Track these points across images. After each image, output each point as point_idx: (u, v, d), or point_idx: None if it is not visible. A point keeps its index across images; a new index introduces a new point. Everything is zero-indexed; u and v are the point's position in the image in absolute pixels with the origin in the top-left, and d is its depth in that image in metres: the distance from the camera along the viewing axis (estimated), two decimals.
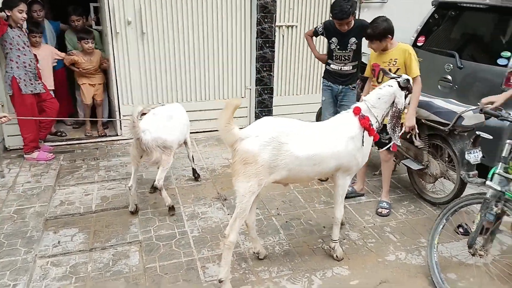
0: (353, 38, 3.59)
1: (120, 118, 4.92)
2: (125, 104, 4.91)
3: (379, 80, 3.31)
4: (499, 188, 2.38)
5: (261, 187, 2.43)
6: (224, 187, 3.81)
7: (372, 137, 2.69)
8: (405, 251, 3.00)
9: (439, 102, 3.44)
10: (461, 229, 3.16)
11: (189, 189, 3.81)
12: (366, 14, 5.38)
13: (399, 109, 2.72)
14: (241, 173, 2.37)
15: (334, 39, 3.68)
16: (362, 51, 3.76)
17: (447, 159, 3.48)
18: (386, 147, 3.21)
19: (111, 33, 4.60)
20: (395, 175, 4.07)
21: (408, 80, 2.76)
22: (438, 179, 3.54)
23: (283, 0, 5.11)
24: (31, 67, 4.12)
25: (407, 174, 3.89)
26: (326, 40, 3.82)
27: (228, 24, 5.04)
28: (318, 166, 2.52)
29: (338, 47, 3.66)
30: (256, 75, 5.24)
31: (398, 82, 2.72)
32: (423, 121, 3.44)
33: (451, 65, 4.27)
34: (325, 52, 4.13)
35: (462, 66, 4.16)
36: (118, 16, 4.56)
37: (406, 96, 2.75)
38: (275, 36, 5.16)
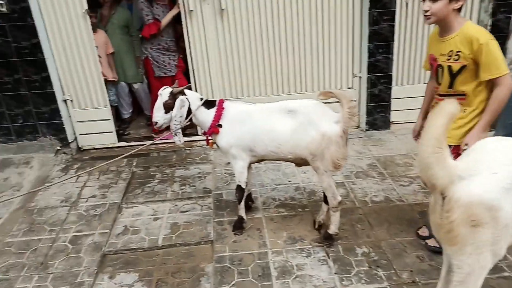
0: None
1: None
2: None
3: (440, 81, 2.21)
4: None
5: (500, 257, 1.48)
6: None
7: None
8: None
9: None
10: None
11: (279, 222, 2.87)
12: None
13: None
14: (466, 241, 1.41)
15: None
16: None
17: None
18: None
19: (184, 12, 3.76)
20: None
21: None
22: None
23: None
24: None
25: None
26: None
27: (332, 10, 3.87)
28: None
29: None
30: (368, 59, 4.00)
31: None
32: None
33: None
34: None
35: None
36: None
37: None
38: (395, 4, 3.83)
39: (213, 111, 2.62)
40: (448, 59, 2.09)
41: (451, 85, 2.12)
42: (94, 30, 3.89)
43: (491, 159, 1.41)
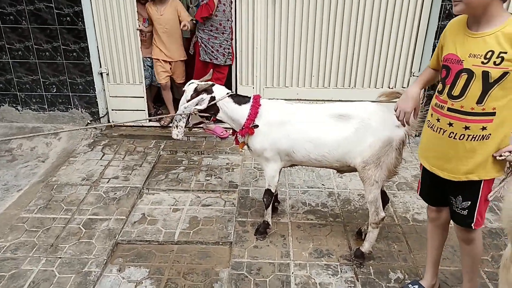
0: None
1: None
2: (243, 85, 3.85)
3: (454, 92, 1.61)
4: None
5: None
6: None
7: None
8: None
9: None
10: None
11: (307, 230, 2.60)
12: None
13: None
14: None
15: None
16: None
17: None
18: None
19: None
20: None
21: None
22: None
23: None
24: None
25: None
26: None
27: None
28: None
29: None
30: (430, 57, 3.55)
31: None
32: None
33: None
34: None
35: None
36: None
37: None
38: None
39: (246, 108, 2.28)
40: (485, 63, 1.52)
41: (481, 100, 1.56)
42: (145, 3, 3.69)
43: None
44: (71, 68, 3.72)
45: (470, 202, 1.72)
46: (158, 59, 3.75)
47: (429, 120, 1.77)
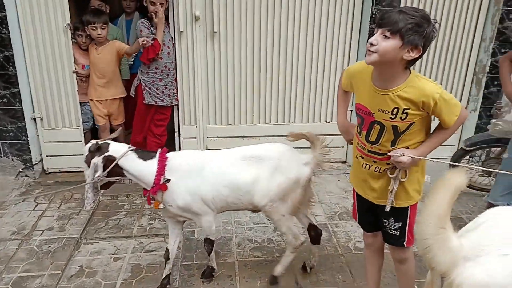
0: None
1: (180, 140, 3.89)
2: (187, 124, 3.86)
3: (371, 138, 1.75)
4: None
5: None
6: (311, 271, 2.52)
7: None
8: None
9: None
10: None
11: (254, 268, 2.58)
12: None
13: None
14: None
15: None
16: None
17: None
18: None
19: (174, 33, 3.54)
20: None
21: None
22: None
23: None
24: None
25: None
26: None
27: (330, 22, 3.67)
28: None
29: None
30: None
31: None
32: None
33: None
34: None
35: None
36: (182, 9, 3.47)
37: None
38: None
39: (153, 163, 2.13)
40: (393, 118, 1.65)
41: (394, 144, 1.72)
42: (86, 49, 3.62)
43: (503, 235, 1.17)
44: (0, 114, 3.52)
45: (401, 223, 1.85)
46: (92, 100, 3.66)
47: (356, 152, 1.90)
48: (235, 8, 3.55)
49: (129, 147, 2.18)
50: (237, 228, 2.99)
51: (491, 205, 2.48)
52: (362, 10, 3.66)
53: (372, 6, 3.50)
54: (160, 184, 2.12)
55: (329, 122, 3.97)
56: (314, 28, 3.67)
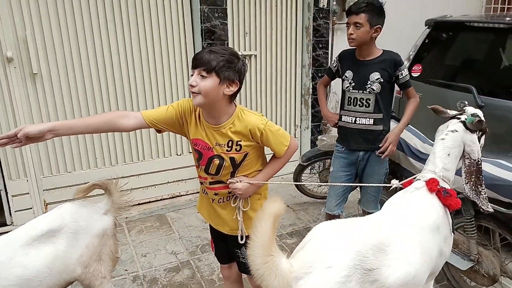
0: (376, 73, 2.41)
1: (8, 199, 3.32)
2: (15, 179, 3.32)
3: (211, 171, 1.80)
4: None
5: None
6: None
7: None
8: None
9: (489, 167, 2.33)
10: None
11: None
12: (339, 38, 4.32)
13: (474, 160, 1.84)
14: None
15: (348, 73, 2.50)
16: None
17: (500, 246, 2.38)
18: None
19: None
20: None
21: (480, 120, 1.86)
22: (498, 281, 2.39)
23: (236, 24, 3.89)
24: None
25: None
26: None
27: (165, 58, 3.68)
28: None
29: (353, 84, 2.48)
30: None
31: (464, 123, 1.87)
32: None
33: (466, 103, 3.26)
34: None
35: (483, 104, 3.14)
36: None
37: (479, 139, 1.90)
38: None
39: None
40: (229, 150, 1.73)
41: (233, 174, 1.80)
42: None
43: (325, 250, 1.29)
44: None
45: None
46: None
47: (200, 186, 1.91)
48: (57, 45, 3.24)
49: None
50: None
51: (328, 216, 2.74)
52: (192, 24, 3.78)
53: (202, 41, 3.66)
54: None
55: (180, 155, 3.94)
56: (150, 65, 3.63)
